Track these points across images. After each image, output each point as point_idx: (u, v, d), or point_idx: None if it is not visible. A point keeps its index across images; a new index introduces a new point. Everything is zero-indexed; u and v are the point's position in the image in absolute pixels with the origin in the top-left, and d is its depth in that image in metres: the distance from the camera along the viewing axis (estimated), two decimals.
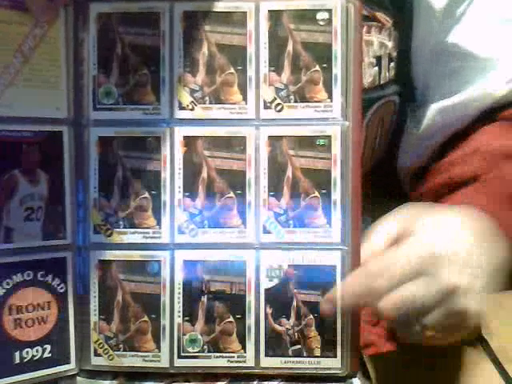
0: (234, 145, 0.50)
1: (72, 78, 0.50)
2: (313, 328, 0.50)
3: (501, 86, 0.59)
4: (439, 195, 0.58)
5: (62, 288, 0.50)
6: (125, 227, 0.51)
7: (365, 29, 0.57)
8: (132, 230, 0.51)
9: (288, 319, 0.50)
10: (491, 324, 0.55)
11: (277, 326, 0.50)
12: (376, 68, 0.59)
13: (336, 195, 0.50)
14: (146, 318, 0.50)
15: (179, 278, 0.50)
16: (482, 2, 0.59)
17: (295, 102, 0.50)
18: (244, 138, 0.50)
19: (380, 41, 0.59)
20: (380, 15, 0.58)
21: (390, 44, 0.60)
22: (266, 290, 0.50)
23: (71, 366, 0.50)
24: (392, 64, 0.61)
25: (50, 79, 0.49)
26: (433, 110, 0.62)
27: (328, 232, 0.50)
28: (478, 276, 0.45)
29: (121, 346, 0.50)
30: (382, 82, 0.60)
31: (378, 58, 0.59)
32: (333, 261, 0.50)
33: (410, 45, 0.61)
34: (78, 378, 0.51)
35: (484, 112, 0.61)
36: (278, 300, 0.50)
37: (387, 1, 0.59)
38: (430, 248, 0.45)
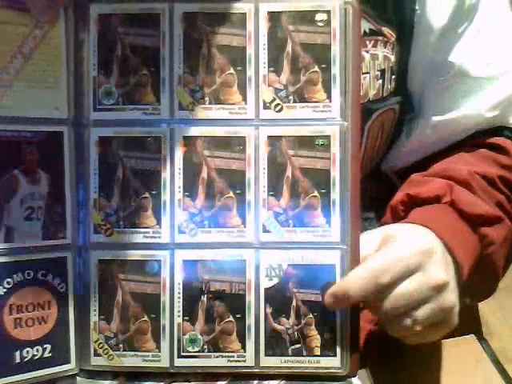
0: (234, 145, 0.50)
1: (72, 78, 0.51)
2: (312, 327, 0.50)
3: (490, 108, 0.61)
4: (396, 211, 0.59)
5: (62, 287, 0.50)
6: (125, 227, 0.51)
7: (372, 43, 0.59)
8: (132, 229, 0.51)
9: (288, 318, 0.50)
10: (491, 324, 0.54)
11: (276, 326, 0.50)
12: (380, 81, 0.61)
13: (335, 195, 0.50)
14: (145, 318, 0.50)
15: (179, 277, 0.50)
16: (480, 23, 0.61)
17: (294, 102, 0.50)
18: (243, 137, 0.50)
19: (384, 54, 0.60)
20: (386, 30, 0.60)
21: (392, 58, 0.61)
22: (266, 290, 0.50)
23: (71, 366, 0.50)
24: (393, 76, 0.62)
25: (50, 80, 0.50)
26: (425, 124, 0.64)
27: (327, 231, 0.50)
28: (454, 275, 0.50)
29: (121, 345, 0.50)
30: (384, 95, 0.61)
31: (382, 72, 0.61)
32: (332, 260, 0.50)
33: (409, 59, 0.62)
34: (78, 377, 0.51)
35: (471, 136, 0.63)
36: (278, 299, 0.50)
37: (391, 14, 0.60)
38: (421, 246, 0.48)
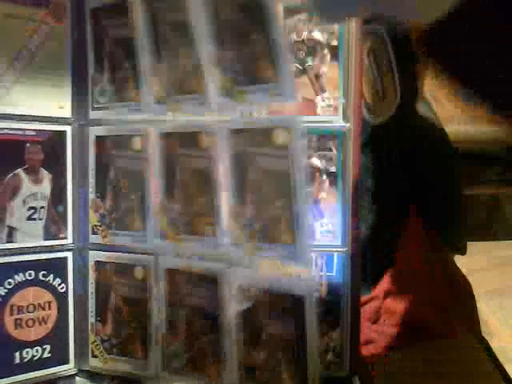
0: None
1: (76, 77, 0.50)
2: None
3: None
4: None
5: (62, 288, 0.50)
6: (116, 229, 0.50)
7: None
8: (122, 232, 0.49)
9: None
10: (491, 324, 0.55)
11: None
12: None
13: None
14: (135, 324, 0.49)
15: (162, 286, 0.48)
16: None
17: None
18: None
19: None
20: None
21: None
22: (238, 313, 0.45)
23: (70, 366, 0.51)
24: None
25: (54, 78, 0.49)
26: None
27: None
28: None
29: (114, 349, 0.50)
30: None
31: None
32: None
33: None
34: (77, 378, 0.51)
35: None
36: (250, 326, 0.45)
37: None
38: None
